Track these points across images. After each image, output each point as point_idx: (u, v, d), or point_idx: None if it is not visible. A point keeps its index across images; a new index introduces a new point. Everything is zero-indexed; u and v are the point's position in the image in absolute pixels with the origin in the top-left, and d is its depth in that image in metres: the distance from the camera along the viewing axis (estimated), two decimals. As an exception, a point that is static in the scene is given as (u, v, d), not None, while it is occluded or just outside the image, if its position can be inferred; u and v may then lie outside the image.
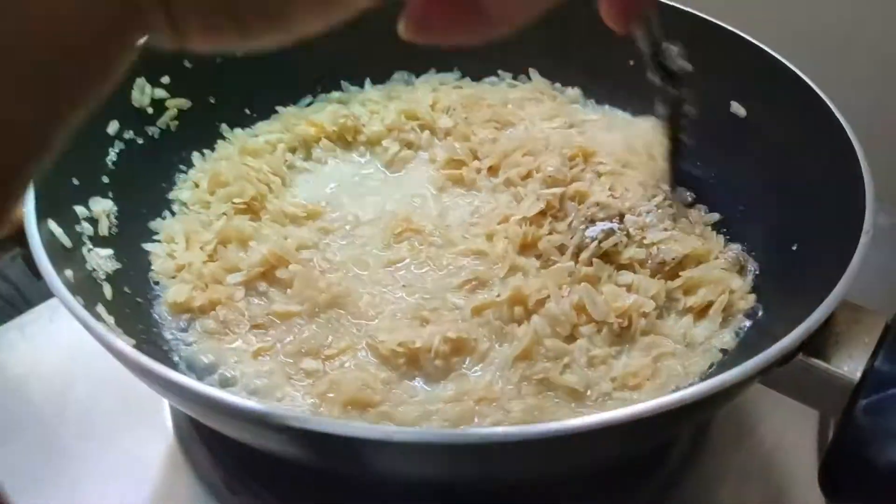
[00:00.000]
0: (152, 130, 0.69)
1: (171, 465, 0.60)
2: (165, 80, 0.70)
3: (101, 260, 0.58)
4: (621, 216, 0.63)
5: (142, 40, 0.29)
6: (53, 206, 0.54)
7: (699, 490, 0.58)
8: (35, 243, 0.49)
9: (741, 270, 0.62)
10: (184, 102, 0.71)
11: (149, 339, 0.56)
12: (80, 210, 0.59)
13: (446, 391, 0.55)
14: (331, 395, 0.54)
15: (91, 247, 0.58)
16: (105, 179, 0.63)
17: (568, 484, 0.56)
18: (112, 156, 0.64)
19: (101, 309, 0.52)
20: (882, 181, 0.53)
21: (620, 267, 0.61)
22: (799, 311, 0.45)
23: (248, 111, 0.77)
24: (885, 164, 0.54)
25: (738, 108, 0.69)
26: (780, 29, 0.67)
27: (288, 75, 0.77)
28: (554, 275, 0.60)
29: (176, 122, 0.71)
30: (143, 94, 0.68)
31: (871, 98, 0.67)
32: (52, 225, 0.54)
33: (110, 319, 0.52)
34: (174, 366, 0.56)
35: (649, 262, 0.61)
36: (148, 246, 0.64)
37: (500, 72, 0.83)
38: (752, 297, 0.60)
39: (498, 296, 0.59)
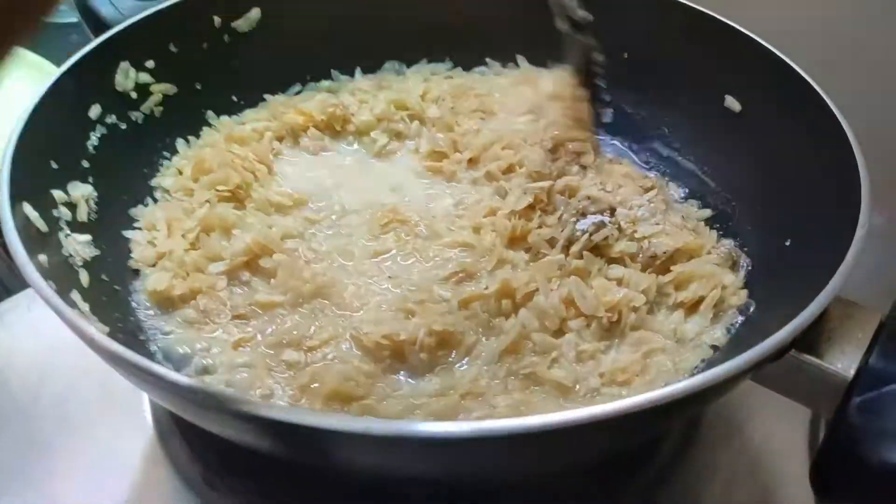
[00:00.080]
0: (136, 115, 0.68)
1: (150, 458, 0.59)
2: (150, 64, 0.68)
3: (79, 246, 0.56)
4: (612, 210, 0.62)
5: None
6: (29, 190, 0.53)
7: (688, 487, 0.58)
8: (8, 226, 0.48)
9: (733, 266, 0.62)
10: (169, 88, 0.70)
11: (125, 327, 0.55)
12: (58, 194, 0.57)
13: (431, 385, 0.54)
14: (312, 387, 0.53)
15: (69, 232, 0.57)
16: (85, 164, 0.61)
17: (555, 479, 0.55)
18: (93, 140, 0.63)
19: (76, 296, 0.51)
20: (875, 179, 0.52)
21: (611, 261, 0.61)
22: (792, 307, 0.44)
23: (235, 98, 0.75)
24: (879, 163, 0.53)
25: (732, 103, 0.68)
26: (776, 22, 0.66)
27: (277, 63, 0.76)
28: (543, 268, 0.59)
29: (160, 108, 0.70)
30: (126, 78, 0.67)
31: (867, 94, 0.66)
32: (28, 208, 0.52)
33: (85, 307, 0.51)
34: (151, 355, 0.55)
35: (640, 255, 0.60)
36: (128, 233, 0.63)
37: (488, 60, 0.82)
38: (744, 292, 0.59)
39: (486, 288, 0.58)
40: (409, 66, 0.82)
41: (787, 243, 0.58)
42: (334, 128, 0.75)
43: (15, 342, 0.67)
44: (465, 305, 0.58)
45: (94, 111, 0.63)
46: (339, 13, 0.77)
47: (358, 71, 0.81)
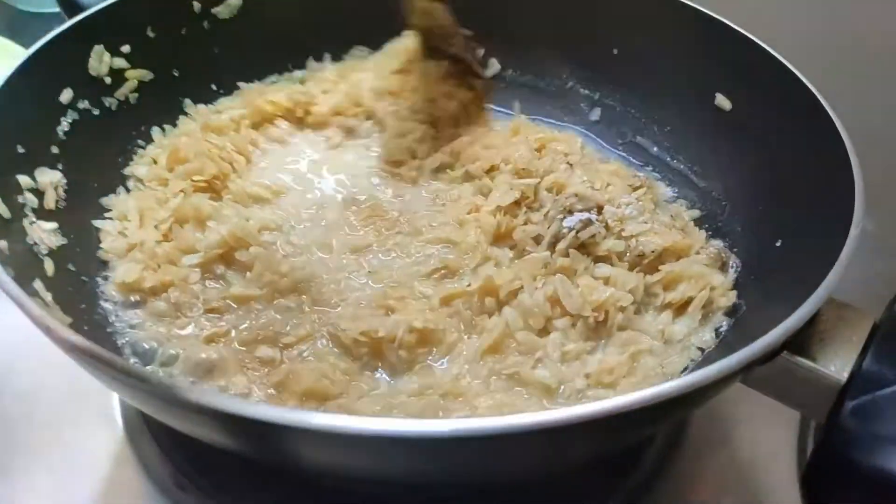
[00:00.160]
0: (109, 101, 0.66)
1: (119, 459, 0.57)
2: (126, 49, 0.66)
3: (44, 234, 0.54)
4: (600, 208, 0.61)
5: None
6: (-8, 174, 0.51)
7: (676, 493, 0.56)
8: (-36, 210, 0.45)
9: (723, 267, 0.60)
10: (145, 74, 0.68)
11: (91, 320, 0.53)
12: (23, 180, 0.55)
13: (410, 384, 0.52)
14: (286, 385, 0.51)
15: (34, 219, 0.55)
16: (55, 150, 0.59)
17: (537, 485, 0.53)
18: (64, 125, 0.61)
19: (38, 285, 0.49)
20: (867, 183, 0.51)
21: (598, 259, 0.59)
22: (783, 309, 0.43)
23: (214, 87, 0.73)
24: (871, 167, 0.52)
25: (722, 101, 0.67)
26: (768, 18, 0.65)
27: (257, 52, 0.74)
28: (528, 265, 0.58)
29: (136, 95, 0.67)
30: (101, 62, 0.64)
31: (861, 94, 0.65)
32: (-11, 193, 0.50)
33: (48, 296, 0.49)
34: (118, 349, 0.53)
35: (628, 254, 0.59)
36: (98, 222, 0.61)
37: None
38: (734, 294, 0.58)
39: (468, 285, 0.57)
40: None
41: (778, 244, 0.57)
42: (298, 117, 0.73)
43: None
44: (447, 302, 0.56)
45: (66, 95, 0.61)
46: (322, 2, 0.75)
47: (329, 59, 0.78)
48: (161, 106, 0.69)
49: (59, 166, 0.59)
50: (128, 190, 0.64)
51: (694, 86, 0.69)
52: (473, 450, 0.37)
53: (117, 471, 0.57)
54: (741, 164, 0.65)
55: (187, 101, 0.71)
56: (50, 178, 0.57)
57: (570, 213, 0.60)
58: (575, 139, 0.73)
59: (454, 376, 0.52)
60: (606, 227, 0.60)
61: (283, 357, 0.53)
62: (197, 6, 0.70)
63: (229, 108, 0.72)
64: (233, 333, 0.55)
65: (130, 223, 0.60)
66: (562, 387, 0.52)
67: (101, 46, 0.64)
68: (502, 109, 0.78)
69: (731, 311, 0.57)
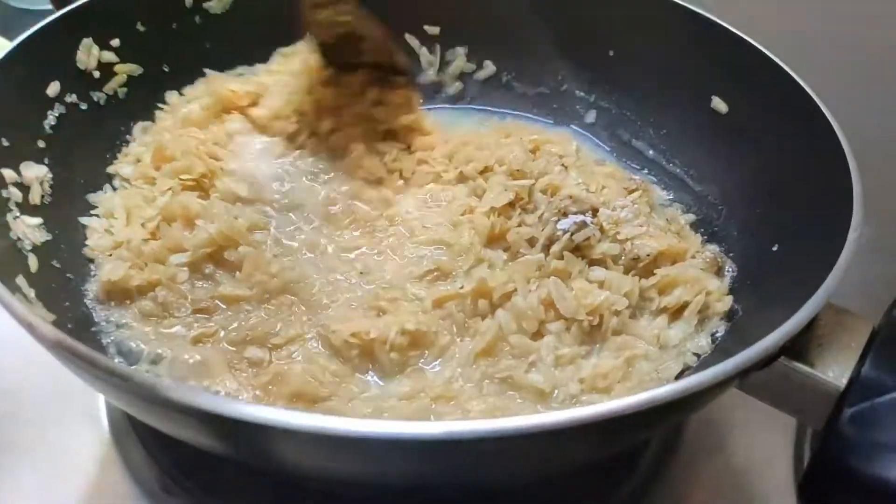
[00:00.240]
0: (98, 96, 0.65)
1: (105, 461, 0.57)
2: (116, 42, 0.65)
3: (29, 229, 0.53)
4: (595, 210, 0.60)
5: None
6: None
7: (669, 500, 0.56)
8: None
9: (719, 271, 0.60)
10: (134, 68, 0.67)
11: (76, 318, 0.52)
12: (8, 174, 0.54)
13: (401, 387, 0.51)
14: (274, 387, 0.50)
15: (18, 214, 0.53)
16: (41, 144, 0.58)
17: (530, 490, 0.53)
18: (51, 119, 0.60)
19: (21, 280, 0.48)
20: (865, 187, 0.50)
21: (593, 262, 0.58)
22: (780, 314, 0.42)
23: (204, 83, 0.72)
24: (869, 172, 0.52)
25: (719, 104, 0.66)
26: (765, 21, 0.64)
27: (248, 47, 0.73)
28: (522, 267, 0.57)
29: (124, 89, 0.66)
30: (89, 55, 0.63)
31: (859, 98, 0.65)
32: (-29, 185, 0.49)
33: (31, 292, 0.48)
34: (103, 349, 0.52)
35: (623, 257, 0.58)
36: (84, 219, 0.59)
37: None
38: (730, 298, 0.57)
39: (461, 287, 0.56)
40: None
41: (775, 248, 0.56)
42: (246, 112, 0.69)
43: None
44: (440, 304, 0.55)
45: (53, 89, 0.60)
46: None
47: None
48: (150, 101, 0.68)
49: (45, 161, 0.58)
50: (114, 188, 0.63)
51: (690, 88, 0.68)
52: (466, 453, 0.37)
53: (102, 473, 0.56)
54: (738, 168, 0.64)
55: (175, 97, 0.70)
56: (35, 173, 0.56)
57: (565, 215, 0.60)
58: (570, 141, 0.72)
59: (446, 379, 0.51)
60: (601, 229, 0.59)
61: (271, 358, 0.52)
62: (188, 0, 0.69)
63: (195, 98, 0.69)
64: (221, 334, 0.54)
65: (117, 221, 0.59)
66: (555, 391, 0.51)
67: (90, 39, 0.63)
68: (498, 111, 0.77)
69: (728, 316, 0.57)
